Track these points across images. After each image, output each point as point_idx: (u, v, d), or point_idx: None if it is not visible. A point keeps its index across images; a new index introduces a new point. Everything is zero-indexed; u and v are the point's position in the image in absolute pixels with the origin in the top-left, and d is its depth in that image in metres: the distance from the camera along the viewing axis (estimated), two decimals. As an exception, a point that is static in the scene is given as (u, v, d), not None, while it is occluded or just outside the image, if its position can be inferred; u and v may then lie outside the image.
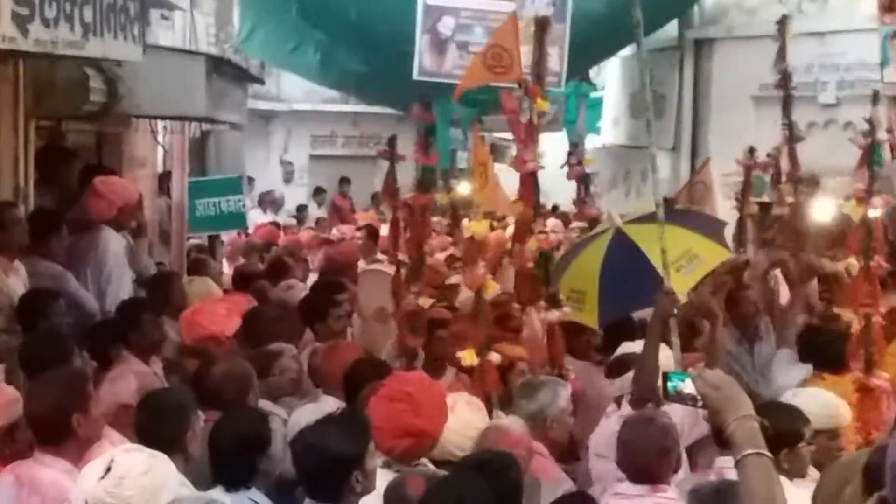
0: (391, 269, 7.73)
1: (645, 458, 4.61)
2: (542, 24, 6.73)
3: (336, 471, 3.97)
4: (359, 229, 11.80)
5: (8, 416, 4.55)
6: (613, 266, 6.55)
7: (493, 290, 6.33)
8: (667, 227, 5.92)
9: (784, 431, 4.44)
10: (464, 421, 4.77)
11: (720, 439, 3.89)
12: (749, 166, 8.51)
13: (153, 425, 4.45)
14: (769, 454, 3.01)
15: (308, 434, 4.07)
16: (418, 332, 6.75)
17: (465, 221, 9.64)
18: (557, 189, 13.59)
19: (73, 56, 6.71)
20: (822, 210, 8.21)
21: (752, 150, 8.57)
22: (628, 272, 6.32)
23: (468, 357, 5.95)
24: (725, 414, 3.06)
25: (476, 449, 4.64)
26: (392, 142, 7.75)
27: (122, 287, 7.69)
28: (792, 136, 8.54)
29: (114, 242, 7.75)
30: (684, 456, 5.08)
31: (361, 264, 9.78)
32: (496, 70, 6.53)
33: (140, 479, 3.70)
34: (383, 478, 4.24)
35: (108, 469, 3.71)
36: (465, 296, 7.57)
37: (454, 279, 8.52)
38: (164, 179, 11.41)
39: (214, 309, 6.62)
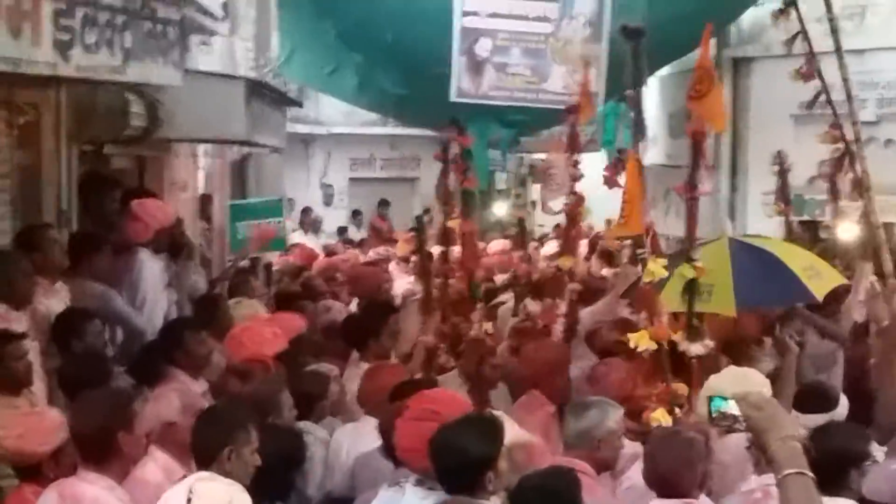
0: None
1: (667, 470, 4.59)
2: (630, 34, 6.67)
3: (471, 470, 4.22)
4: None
5: (53, 441, 4.58)
6: (743, 262, 6.66)
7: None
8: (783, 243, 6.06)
9: (850, 451, 4.45)
10: None
11: (763, 459, 3.87)
12: (783, 170, 8.50)
13: (204, 441, 4.43)
14: (811, 474, 3.02)
15: (448, 433, 4.30)
16: (482, 361, 6.78)
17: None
18: (598, 207, 13.51)
19: (114, 81, 6.79)
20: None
21: (779, 154, 8.58)
22: (760, 270, 6.41)
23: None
24: (768, 434, 3.09)
25: (507, 464, 4.64)
26: (445, 146, 7.79)
27: (158, 308, 7.75)
28: (850, 153, 8.49)
29: (149, 264, 7.80)
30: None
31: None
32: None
33: None
34: (415, 496, 4.31)
35: (189, 501, 3.69)
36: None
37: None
38: (204, 203, 11.49)
39: (262, 330, 6.64)
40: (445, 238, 7.76)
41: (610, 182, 6.18)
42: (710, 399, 3.35)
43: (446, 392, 5.14)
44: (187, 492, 3.70)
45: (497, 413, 5.19)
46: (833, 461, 3.55)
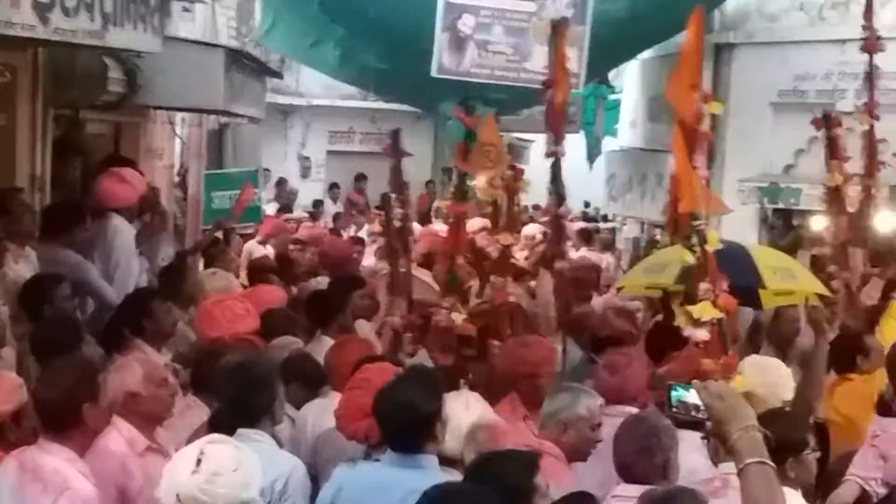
0: (423, 275, 7.67)
1: (628, 456, 4.61)
2: (557, 28, 6.64)
3: (421, 423, 4.32)
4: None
5: (11, 401, 4.56)
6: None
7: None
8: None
9: (788, 440, 4.44)
10: (452, 418, 4.73)
11: (724, 448, 3.89)
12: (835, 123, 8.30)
13: (244, 395, 4.62)
14: (772, 463, 3.03)
15: (391, 392, 4.39)
16: (447, 350, 6.57)
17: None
18: (576, 189, 13.54)
19: (93, 46, 6.73)
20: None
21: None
22: (728, 260, 6.38)
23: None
24: (729, 424, 3.11)
25: (466, 446, 4.65)
26: (395, 136, 7.60)
27: (130, 275, 7.71)
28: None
29: (123, 230, 7.76)
30: None
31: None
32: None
33: (231, 476, 3.68)
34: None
35: (199, 462, 3.69)
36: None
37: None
38: (181, 172, 11.45)
39: (234, 306, 6.60)
40: (403, 231, 7.64)
41: None
42: (670, 387, 3.33)
43: (383, 365, 5.18)
44: (198, 453, 3.70)
45: (465, 392, 5.20)
46: (773, 449, 3.57)
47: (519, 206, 7.53)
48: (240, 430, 4.51)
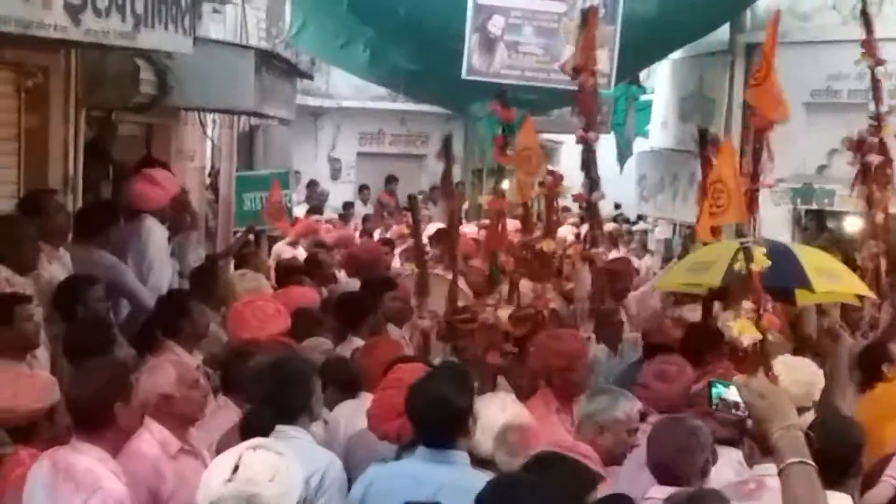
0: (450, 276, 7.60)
1: (667, 457, 4.56)
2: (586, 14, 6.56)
3: (454, 418, 4.37)
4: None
5: (44, 399, 4.57)
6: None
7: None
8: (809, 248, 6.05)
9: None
10: (486, 418, 4.71)
11: (764, 447, 3.83)
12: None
13: (281, 392, 4.69)
14: (813, 464, 2.98)
15: (424, 387, 4.46)
16: (493, 348, 6.56)
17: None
18: (607, 191, 13.50)
19: (124, 47, 6.75)
20: None
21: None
22: (774, 261, 6.31)
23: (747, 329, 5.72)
24: (771, 423, 3.07)
25: (496, 446, 4.63)
26: (448, 142, 7.58)
27: (164, 276, 7.74)
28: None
29: (157, 231, 7.80)
30: None
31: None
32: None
33: (267, 486, 3.63)
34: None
35: (236, 469, 3.65)
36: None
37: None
38: (212, 174, 11.48)
39: (265, 307, 6.60)
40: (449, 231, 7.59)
41: None
42: (711, 384, 3.28)
43: (416, 365, 5.23)
44: (236, 459, 3.66)
45: (502, 393, 5.18)
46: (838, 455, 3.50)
47: (559, 213, 7.53)
48: (278, 428, 4.53)
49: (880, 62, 8.74)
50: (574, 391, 5.70)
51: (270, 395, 4.73)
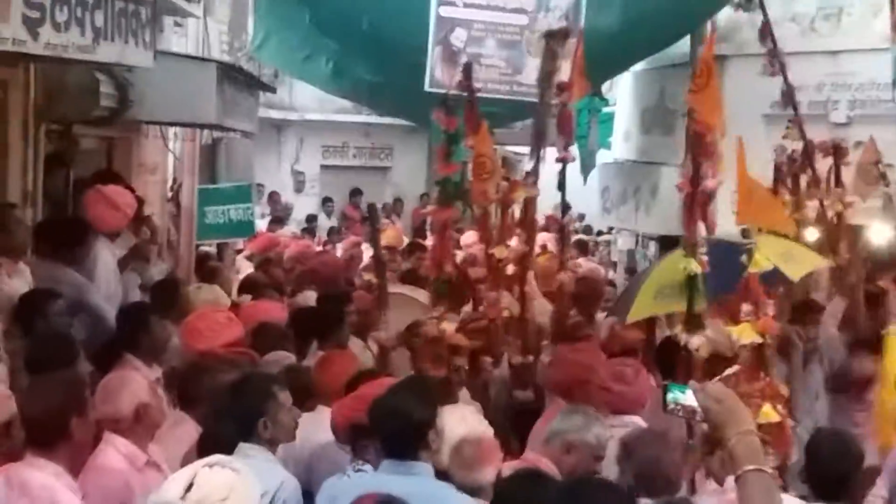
0: (416, 294, 7.56)
1: (644, 471, 4.57)
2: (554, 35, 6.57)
3: (416, 431, 4.44)
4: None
5: (3, 412, 4.53)
6: (711, 255, 6.56)
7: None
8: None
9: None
10: (445, 431, 4.70)
11: (714, 449, 3.85)
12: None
13: (237, 410, 4.67)
14: (770, 470, 2.98)
15: (387, 400, 4.53)
16: (437, 361, 6.45)
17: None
18: (571, 202, 13.57)
19: (84, 60, 6.72)
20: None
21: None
22: (729, 259, 6.32)
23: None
24: (727, 428, 3.03)
25: (451, 459, 4.63)
26: (372, 208, 7.61)
27: (113, 297, 7.66)
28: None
29: (104, 252, 7.72)
30: None
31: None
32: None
33: None
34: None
35: (190, 487, 3.62)
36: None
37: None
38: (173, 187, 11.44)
39: (217, 318, 6.58)
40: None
41: None
42: (666, 388, 3.28)
43: (388, 379, 5.23)
44: (191, 477, 3.63)
45: (462, 406, 5.18)
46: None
47: (513, 220, 7.49)
48: (240, 445, 4.50)
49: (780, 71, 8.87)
50: (592, 404, 5.67)
51: (226, 413, 4.71)
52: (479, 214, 7.31)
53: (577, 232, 17.95)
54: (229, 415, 4.70)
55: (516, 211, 7.45)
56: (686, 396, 3.16)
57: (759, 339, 5.74)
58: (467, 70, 7.49)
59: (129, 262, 8.20)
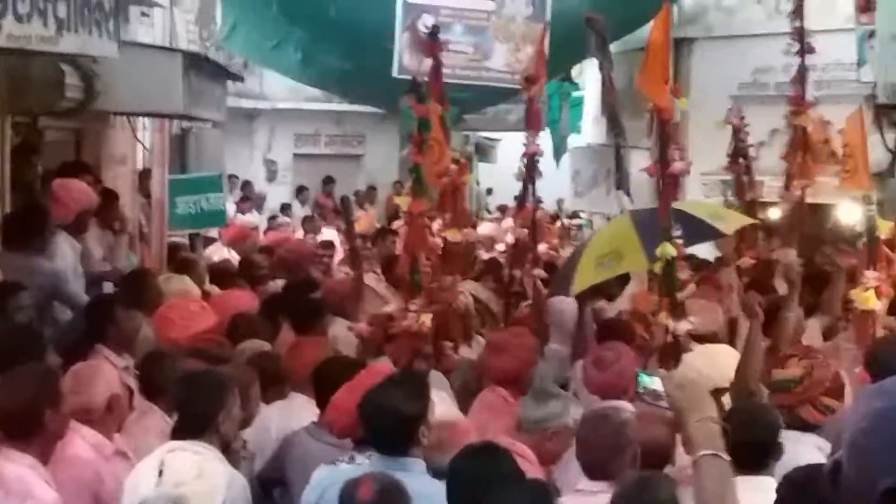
0: (376, 284, 7.56)
1: (601, 454, 4.61)
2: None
3: (405, 427, 4.37)
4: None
5: None
6: (645, 221, 6.65)
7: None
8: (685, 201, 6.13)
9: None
10: None
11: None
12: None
13: (190, 406, 4.52)
14: (727, 456, 3.03)
15: (376, 395, 4.44)
16: (419, 355, 6.48)
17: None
18: (545, 187, 13.61)
19: (47, 52, 6.70)
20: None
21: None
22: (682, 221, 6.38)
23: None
24: (688, 414, 3.10)
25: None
26: (345, 201, 7.65)
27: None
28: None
29: (63, 247, 7.69)
30: None
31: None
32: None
33: (195, 483, 3.65)
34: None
35: (161, 473, 3.65)
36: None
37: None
38: (143, 177, 11.39)
39: (188, 306, 6.60)
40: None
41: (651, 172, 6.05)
42: (638, 374, 3.38)
43: (388, 366, 5.31)
44: (159, 464, 3.67)
45: (434, 390, 5.20)
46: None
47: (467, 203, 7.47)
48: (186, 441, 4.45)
49: (811, 50, 8.95)
50: (527, 387, 5.69)
51: (179, 407, 4.61)
52: (437, 197, 7.27)
53: (562, 216, 18.06)
54: (183, 409, 4.58)
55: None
56: (654, 383, 3.26)
57: (879, 305, 5.91)
58: (433, 34, 7.44)
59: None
